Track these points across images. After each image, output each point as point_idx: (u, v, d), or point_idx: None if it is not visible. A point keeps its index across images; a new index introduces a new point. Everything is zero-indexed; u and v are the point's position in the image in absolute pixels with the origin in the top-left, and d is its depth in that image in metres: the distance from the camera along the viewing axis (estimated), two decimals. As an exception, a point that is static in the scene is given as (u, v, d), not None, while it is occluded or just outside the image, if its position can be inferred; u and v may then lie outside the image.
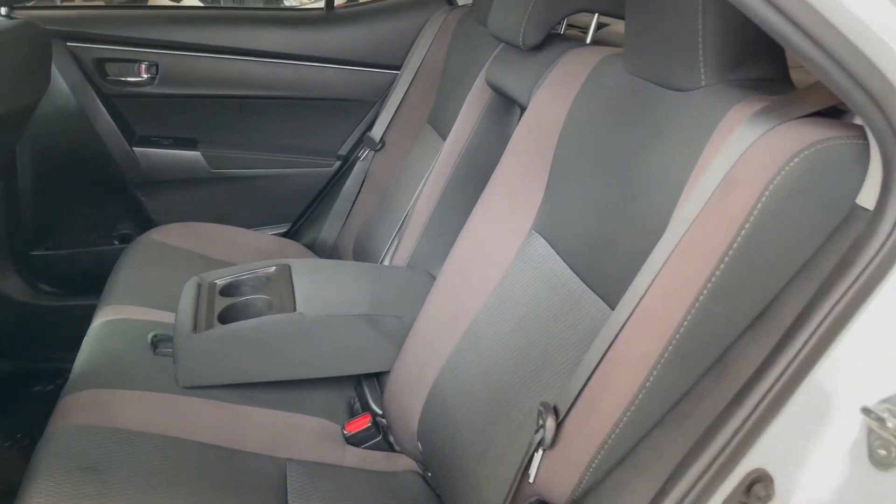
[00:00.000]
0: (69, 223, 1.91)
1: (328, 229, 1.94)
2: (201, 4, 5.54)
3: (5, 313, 1.85)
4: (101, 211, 1.92)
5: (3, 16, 1.43)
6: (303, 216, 2.03)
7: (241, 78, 1.87)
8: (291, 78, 1.90)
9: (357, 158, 1.92)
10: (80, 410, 1.09)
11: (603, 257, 0.91)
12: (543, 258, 1.05)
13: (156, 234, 1.72)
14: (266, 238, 1.88)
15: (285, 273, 1.35)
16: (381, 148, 1.85)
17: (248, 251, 1.77)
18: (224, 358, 1.17)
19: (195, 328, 1.19)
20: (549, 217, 1.07)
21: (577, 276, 0.95)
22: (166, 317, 1.39)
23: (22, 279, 1.87)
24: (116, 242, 1.94)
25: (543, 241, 1.06)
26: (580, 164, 1.01)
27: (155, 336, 1.25)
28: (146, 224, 1.93)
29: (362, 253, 1.75)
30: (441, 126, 1.65)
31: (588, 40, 1.22)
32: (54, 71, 1.71)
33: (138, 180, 1.87)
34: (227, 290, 1.33)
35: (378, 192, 1.81)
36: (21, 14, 1.67)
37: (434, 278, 1.42)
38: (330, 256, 1.94)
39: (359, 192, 1.90)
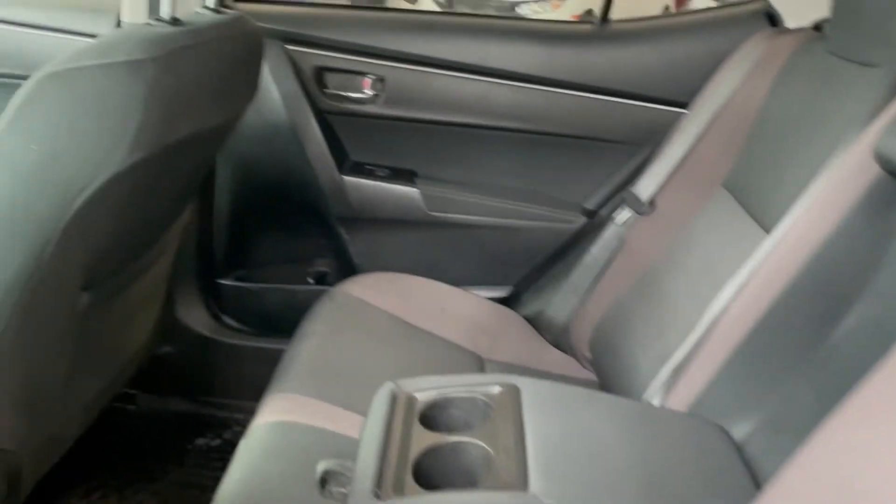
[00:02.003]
0: (262, 253, 1.65)
1: (559, 304, 1.51)
2: (437, 9, 5.40)
3: (184, 345, 1.63)
4: (299, 244, 1.64)
5: (210, 8, 1.15)
6: (528, 281, 1.62)
7: (481, 103, 1.49)
8: (542, 107, 1.49)
9: (610, 219, 1.47)
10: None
11: None
12: None
13: (353, 287, 1.40)
14: (480, 303, 1.49)
15: (512, 401, 0.93)
16: (648, 211, 1.39)
17: (458, 320, 1.40)
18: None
19: (379, 486, 0.81)
20: None
21: None
22: (348, 423, 1.05)
23: (206, 310, 1.64)
24: (311, 281, 1.65)
25: None
26: None
27: (326, 472, 0.90)
28: (346, 266, 1.62)
29: (608, 355, 1.30)
30: (750, 198, 1.16)
31: None
32: (267, 79, 1.44)
33: (344, 214, 1.56)
34: (431, 414, 0.93)
35: (637, 272, 1.35)
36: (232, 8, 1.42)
37: (735, 443, 0.94)
38: (556, 341, 1.50)
39: (608, 265, 1.44)
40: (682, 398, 0.98)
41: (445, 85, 1.49)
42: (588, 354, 1.39)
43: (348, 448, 0.98)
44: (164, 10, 0.99)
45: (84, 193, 0.91)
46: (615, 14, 1.52)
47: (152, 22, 0.98)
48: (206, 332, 1.63)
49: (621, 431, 0.89)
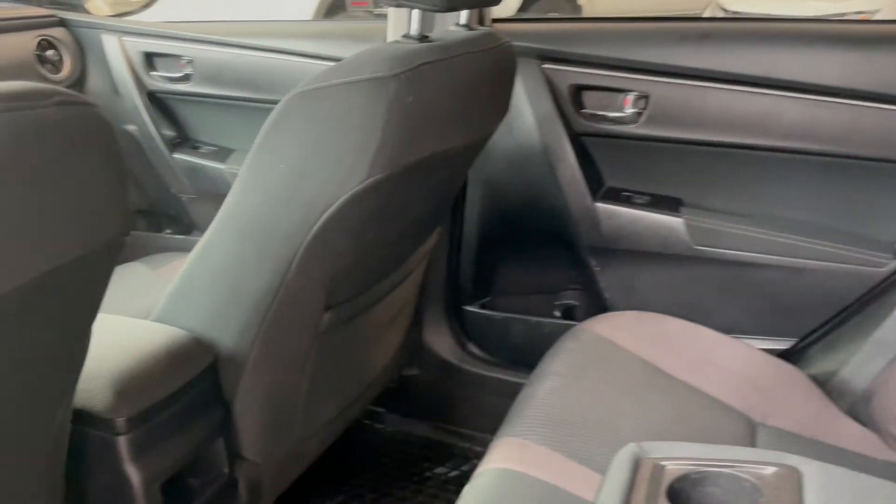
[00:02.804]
0: (508, 281, 1.58)
1: (859, 365, 1.23)
2: (706, 15, 4.97)
3: (429, 370, 1.62)
4: (546, 274, 1.54)
5: (462, 26, 1.11)
6: (817, 334, 1.35)
7: (766, 120, 1.28)
8: (846, 124, 1.24)
9: (936, 263, 1.16)
10: None
11: None
12: None
13: (602, 325, 1.26)
14: (755, 356, 1.27)
15: (791, 488, 0.73)
16: None
17: (726, 374, 1.20)
18: None
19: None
20: None
21: None
22: (581, 481, 0.92)
23: (452, 336, 1.61)
24: (558, 315, 1.55)
25: None
26: None
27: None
28: (596, 301, 1.49)
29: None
30: None
31: None
32: (521, 99, 1.37)
33: (595, 244, 1.43)
34: (682, 490, 0.77)
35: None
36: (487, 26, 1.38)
37: None
38: (852, 409, 1.22)
39: (931, 321, 1.14)
40: None
41: (721, 100, 1.30)
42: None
43: (580, 514, 0.86)
44: (414, 28, 0.96)
45: (326, 212, 0.90)
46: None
47: (401, 40, 0.95)
48: (450, 359, 1.60)
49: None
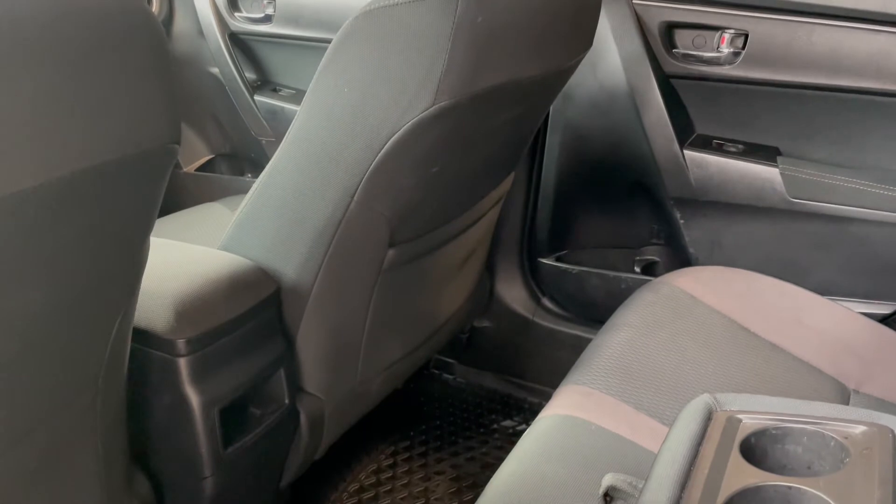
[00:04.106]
0: (586, 233, 1.52)
1: (973, 333, 1.11)
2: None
3: (502, 322, 1.59)
4: (627, 227, 1.47)
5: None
6: (926, 298, 1.23)
7: (879, 61, 1.16)
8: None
9: None
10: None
11: None
12: None
13: (683, 279, 1.19)
14: (852, 319, 1.17)
15: (882, 449, 0.66)
16: None
17: (819, 337, 1.12)
18: None
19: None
20: None
21: None
22: (647, 432, 0.87)
23: (526, 289, 1.57)
24: (638, 271, 1.47)
25: None
26: None
27: (612, 488, 0.73)
28: (679, 255, 1.41)
29: None
30: None
31: None
32: (607, 38, 1.29)
33: (681, 196, 1.35)
34: (758, 444, 0.71)
35: None
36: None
37: None
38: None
39: None
40: None
41: (829, 39, 1.18)
42: None
43: (644, 462, 0.81)
44: (489, -54, 0.90)
45: (390, 140, 0.87)
46: None
47: (474, -42, 0.90)
48: (523, 312, 1.56)
49: None
